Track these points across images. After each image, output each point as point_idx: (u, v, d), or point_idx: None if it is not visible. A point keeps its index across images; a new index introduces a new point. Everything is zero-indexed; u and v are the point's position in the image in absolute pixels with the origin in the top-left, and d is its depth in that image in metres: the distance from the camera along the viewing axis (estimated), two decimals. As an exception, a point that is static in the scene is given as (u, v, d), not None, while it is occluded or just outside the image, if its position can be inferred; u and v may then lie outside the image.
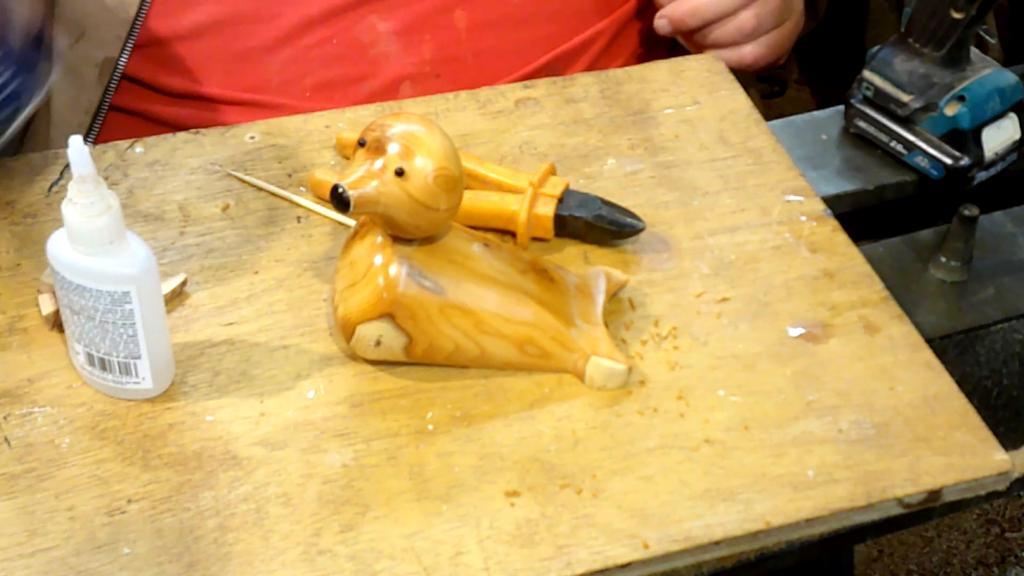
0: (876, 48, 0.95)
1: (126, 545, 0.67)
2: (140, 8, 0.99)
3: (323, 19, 1.01)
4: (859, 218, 0.92)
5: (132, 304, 0.70)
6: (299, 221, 0.85)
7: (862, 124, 0.95)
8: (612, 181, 0.88)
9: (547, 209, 0.83)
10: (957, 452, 0.71)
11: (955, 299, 0.84)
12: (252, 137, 0.91)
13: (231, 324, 0.78)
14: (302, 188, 0.87)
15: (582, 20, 1.07)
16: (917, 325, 0.79)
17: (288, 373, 0.75)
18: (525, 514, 0.68)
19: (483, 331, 0.74)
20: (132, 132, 0.99)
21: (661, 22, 1.03)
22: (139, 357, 0.72)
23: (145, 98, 1.04)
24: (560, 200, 0.83)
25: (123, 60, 1.00)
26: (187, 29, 1.01)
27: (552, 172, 0.85)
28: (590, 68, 1.07)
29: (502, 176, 0.85)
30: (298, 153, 0.90)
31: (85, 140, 0.99)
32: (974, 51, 0.94)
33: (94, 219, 0.68)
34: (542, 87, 0.96)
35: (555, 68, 1.07)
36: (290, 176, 0.88)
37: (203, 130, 0.91)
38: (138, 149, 0.90)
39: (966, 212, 0.83)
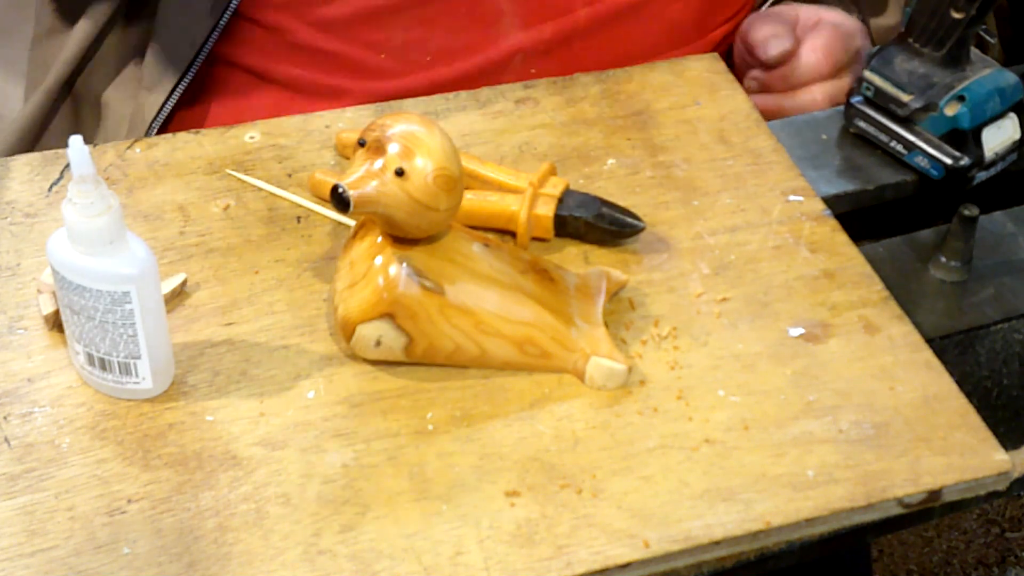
0: (876, 48, 0.95)
1: (126, 545, 0.67)
2: None
3: None
4: (859, 218, 0.91)
5: (132, 304, 0.70)
6: (299, 221, 0.85)
7: (862, 124, 0.95)
8: (612, 181, 0.88)
9: (547, 209, 0.83)
10: (957, 452, 0.71)
11: (955, 299, 0.84)
12: (252, 137, 0.91)
13: (231, 324, 0.78)
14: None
15: (692, 32, 1.08)
16: (917, 325, 0.79)
17: (288, 373, 0.75)
18: (525, 514, 0.68)
19: (483, 331, 0.74)
20: (235, 86, 1.01)
21: (752, 83, 1.05)
22: (139, 357, 0.72)
23: (259, 50, 1.03)
24: (560, 200, 0.83)
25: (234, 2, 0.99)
26: None
27: (552, 172, 0.85)
28: None
29: (502, 176, 0.85)
30: (298, 153, 0.90)
31: (181, 81, 1.00)
32: (974, 51, 0.93)
33: (94, 219, 0.68)
34: (542, 87, 0.96)
35: None
36: (290, 176, 0.88)
37: (203, 130, 0.91)
38: (138, 149, 0.90)
39: (966, 212, 0.83)
